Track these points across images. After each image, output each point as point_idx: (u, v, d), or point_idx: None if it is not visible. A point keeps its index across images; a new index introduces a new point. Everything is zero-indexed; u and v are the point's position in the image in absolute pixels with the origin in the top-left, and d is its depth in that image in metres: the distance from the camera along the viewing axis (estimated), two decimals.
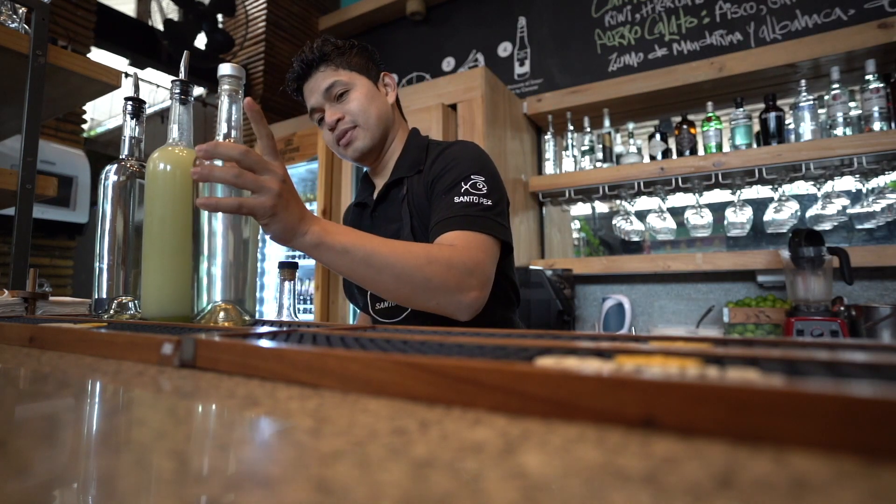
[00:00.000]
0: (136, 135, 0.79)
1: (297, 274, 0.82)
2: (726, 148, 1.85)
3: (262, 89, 2.87)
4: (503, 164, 2.02)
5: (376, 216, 0.97)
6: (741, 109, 1.80)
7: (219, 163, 0.61)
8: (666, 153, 1.92)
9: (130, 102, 0.78)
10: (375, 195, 0.98)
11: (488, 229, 0.78)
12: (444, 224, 0.78)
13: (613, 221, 2.07)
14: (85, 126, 2.28)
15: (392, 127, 0.96)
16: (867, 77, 1.62)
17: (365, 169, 1.04)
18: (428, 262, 0.69)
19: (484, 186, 0.82)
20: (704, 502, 0.12)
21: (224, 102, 0.66)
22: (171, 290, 0.68)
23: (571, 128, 2.11)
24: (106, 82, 1.19)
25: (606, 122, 2.04)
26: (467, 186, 0.81)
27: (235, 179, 0.56)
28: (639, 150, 2.02)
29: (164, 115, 4.13)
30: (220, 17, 2.80)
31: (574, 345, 0.31)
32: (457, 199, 0.80)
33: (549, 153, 2.18)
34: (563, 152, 2.12)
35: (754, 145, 1.79)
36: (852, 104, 1.65)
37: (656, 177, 1.86)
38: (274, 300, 2.57)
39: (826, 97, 1.68)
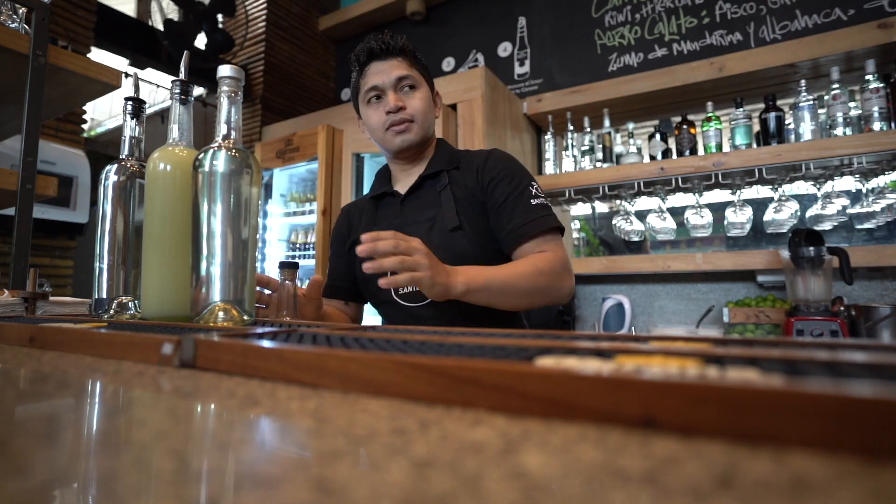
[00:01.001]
0: (136, 135, 0.79)
1: (297, 274, 0.82)
2: (726, 148, 1.85)
3: (262, 89, 2.87)
4: None
5: (407, 204, 1.04)
6: (741, 109, 1.80)
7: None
8: (666, 153, 1.92)
9: (130, 102, 0.78)
10: (408, 186, 1.04)
11: (557, 225, 0.93)
12: (530, 226, 0.92)
13: (613, 221, 2.07)
14: (85, 126, 2.28)
15: (432, 135, 1.07)
16: (867, 77, 1.62)
17: (380, 166, 1.15)
18: (540, 274, 0.85)
19: (540, 191, 0.96)
20: (704, 502, 0.12)
21: (223, 104, 0.66)
22: (171, 290, 0.68)
23: (571, 128, 2.11)
24: (106, 82, 1.19)
25: (606, 122, 2.04)
26: (533, 191, 0.95)
27: (401, 265, 0.72)
28: (639, 150, 2.02)
29: (164, 115, 4.13)
30: (220, 17, 2.80)
31: (574, 345, 0.31)
32: (533, 202, 0.93)
33: (549, 153, 2.18)
34: (563, 152, 2.12)
35: (754, 145, 1.79)
36: (852, 104, 1.65)
37: (656, 177, 1.86)
38: None
39: (826, 97, 1.68)
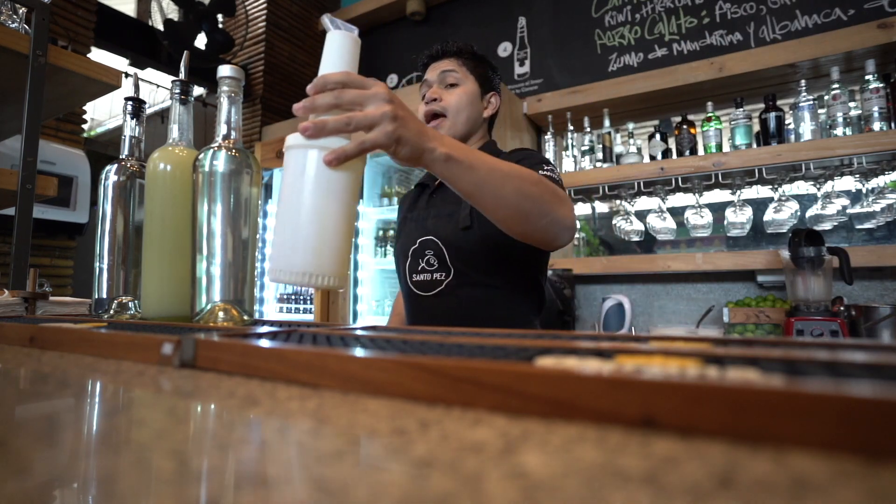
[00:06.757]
0: (136, 135, 0.79)
1: None
2: (726, 148, 1.85)
3: (262, 89, 2.87)
4: None
5: (434, 197, 1.05)
6: (741, 109, 1.80)
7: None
8: (666, 153, 1.92)
9: (130, 102, 0.78)
10: (439, 180, 1.04)
11: (559, 183, 0.86)
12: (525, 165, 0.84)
13: (613, 221, 2.07)
14: (85, 126, 2.28)
15: (475, 133, 1.06)
16: (867, 77, 1.62)
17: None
18: (534, 182, 0.71)
19: (556, 174, 0.90)
20: (704, 502, 0.12)
21: (223, 104, 0.66)
22: (171, 290, 0.68)
23: (571, 128, 2.11)
24: (106, 82, 1.19)
25: (606, 122, 2.04)
26: (546, 169, 0.88)
27: (347, 124, 0.53)
28: (639, 150, 2.02)
29: (164, 115, 4.13)
30: (220, 17, 2.80)
31: (574, 345, 0.31)
32: (540, 172, 0.85)
33: (549, 153, 2.18)
34: (564, 152, 2.12)
35: (754, 145, 1.79)
36: (852, 104, 1.65)
37: (656, 177, 1.86)
38: (274, 300, 2.57)
39: (826, 97, 1.68)
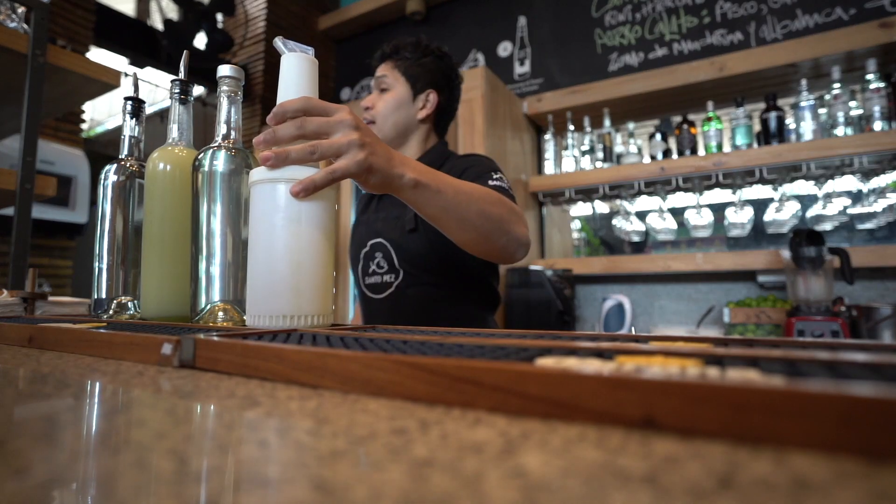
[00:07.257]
0: (136, 134, 0.79)
1: None
2: (727, 148, 1.85)
3: (262, 89, 2.87)
4: (503, 164, 2.02)
5: (383, 200, 1.05)
6: (741, 109, 1.80)
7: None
8: (666, 153, 1.92)
9: (130, 102, 0.78)
10: None
11: (511, 196, 0.85)
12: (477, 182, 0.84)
13: (613, 221, 2.07)
14: (84, 126, 2.28)
15: (412, 135, 1.04)
16: (868, 77, 1.61)
17: None
18: (494, 202, 0.72)
19: (506, 182, 0.90)
20: (704, 502, 0.12)
21: (223, 103, 0.66)
22: (171, 290, 0.68)
23: (571, 128, 2.11)
24: (105, 82, 1.19)
25: (606, 122, 2.03)
26: (496, 178, 0.88)
27: (312, 153, 0.51)
28: (639, 149, 2.02)
29: (163, 114, 4.13)
30: (219, 16, 2.80)
31: (574, 345, 0.31)
32: (490, 182, 0.86)
33: (550, 153, 2.18)
34: (563, 152, 2.12)
35: (755, 145, 1.79)
36: (853, 104, 1.65)
37: (656, 177, 1.86)
38: None
39: (827, 97, 1.68)
